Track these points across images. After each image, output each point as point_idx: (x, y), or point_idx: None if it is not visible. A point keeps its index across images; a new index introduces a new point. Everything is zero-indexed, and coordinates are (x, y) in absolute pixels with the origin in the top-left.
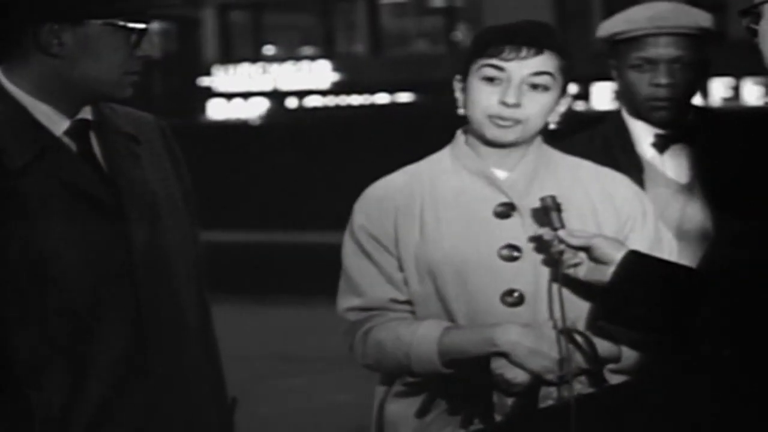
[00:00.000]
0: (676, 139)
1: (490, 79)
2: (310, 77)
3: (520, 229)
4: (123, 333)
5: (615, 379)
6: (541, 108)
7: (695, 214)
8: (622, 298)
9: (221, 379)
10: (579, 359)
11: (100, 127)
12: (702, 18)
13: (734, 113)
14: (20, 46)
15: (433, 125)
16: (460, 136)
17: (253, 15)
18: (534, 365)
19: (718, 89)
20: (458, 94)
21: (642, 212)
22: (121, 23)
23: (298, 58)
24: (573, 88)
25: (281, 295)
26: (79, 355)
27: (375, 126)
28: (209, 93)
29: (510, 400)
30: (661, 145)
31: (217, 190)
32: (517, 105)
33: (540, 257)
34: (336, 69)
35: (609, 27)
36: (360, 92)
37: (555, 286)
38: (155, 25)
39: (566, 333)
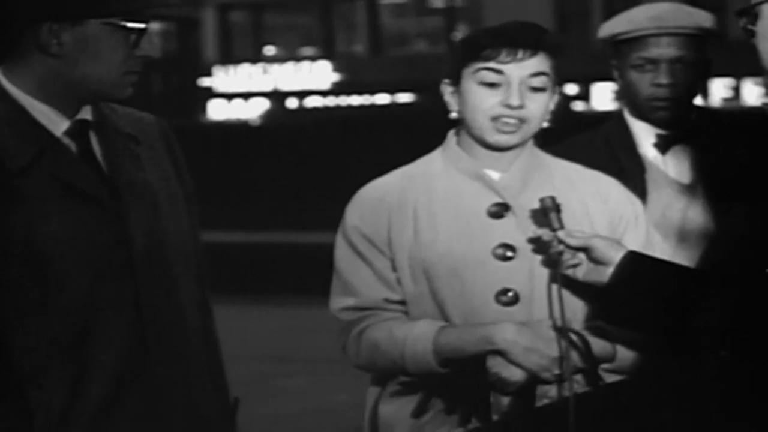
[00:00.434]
0: (678, 140)
1: (490, 83)
2: (311, 77)
3: (514, 229)
4: (123, 333)
5: (610, 379)
6: (541, 108)
7: (697, 214)
8: (621, 299)
9: (223, 379)
10: (574, 358)
11: (100, 127)
12: (703, 18)
13: (736, 113)
14: (20, 46)
15: (433, 125)
16: (451, 137)
17: (253, 15)
18: (530, 364)
19: (718, 89)
20: (448, 99)
21: (634, 215)
22: (121, 23)
23: (299, 59)
24: (573, 88)
25: (281, 295)
26: (80, 355)
27: (375, 126)
28: (209, 93)
29: (506, 399)
30: (663, 145)
31: (217, 190)
32: (521, 107)
33: (534, 257)
34: (336, 69)
35: (610, 27)
36: (360, 92)
37: (554, 287)
38: (155, 25)
39: (562, 332)
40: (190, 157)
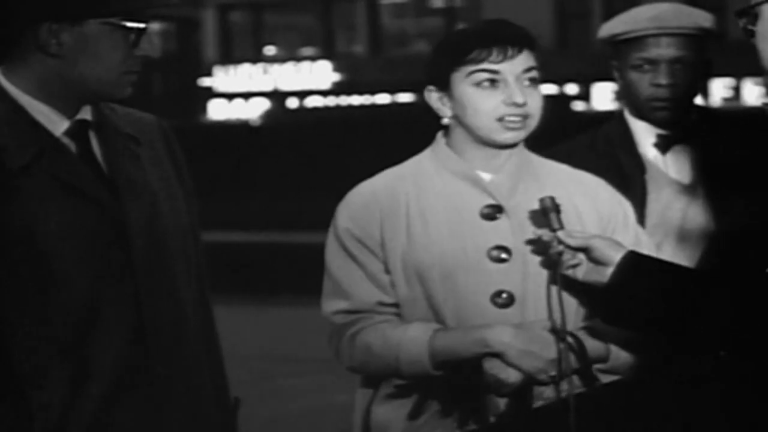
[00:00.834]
0: (678, 140)
1: (488, 83)
2: (311, 78)
3: (508, 231)
4: (123, 333)
5: (604, 379)
6: (540, 102)
7: (697, 214)
8: (621, 299)
9: (224, 379)
10: (570, 359)
11: (100, 127)
12: (702, 18)
13: (736, 113)
14: (19, 46)
15: (433, 125)
16: (440, 138)
17: (253, 15)
18: (527, 365)
19: (718, 89)
20: (437, 105)
21: (623, 214)
22: (120, 23)
23: (299, 59)
24: (573, 88)
25: (281, 295)
26: (80, 355)
27: (375, 126)
28: (210, 93)
29: (503, 401)
30: (663, 145)
31: (217, 190)
32: (525, 104)
33: (528, 258)
34: (336, 69)
35: (610, 28)
36: (360, 92)
37: (554, 288)
38: (155, 25)
39: (558, 333)
40: (190, 157)
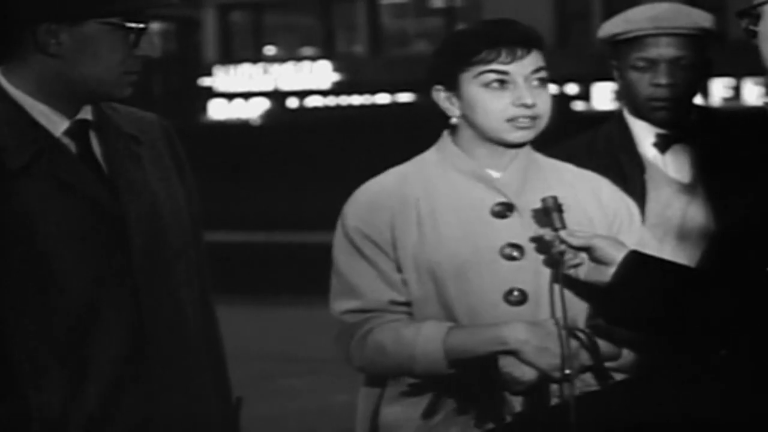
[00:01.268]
0: (677, 139)
1: (497, 84)
2: (311, 77)
3: (520, 228)
4: (122, 334)
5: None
6: (549, 103)
7: (697, 213)
8: (623, 299)
9: (226, 379)
10: (583, 357)
11: (100, 127)
12: (702, 18)
13: (736, 113)
14: (19, 46)
15: (433, 125)
16: (447, 137)
17: (253, 15)
18: (542, 363)
19: (718, 89)
20: (445, 104)
21: (628, 213)
22: (120, 23)
23: (299, 59)
24: (573, 88)
25: (281, 295)
26: (79, 356)
27: (375, 126)
28: (210, 93)
29: (517, 399)
30: (662, 144)
31: (217, 190)
32: (534, 105)
33: (540, 256)
34: (336, 69)
35: (610, 27)
36: (360, 92)
37: (557, 287)
38: (155, 25)
39: (571, 331)
40: (190, 157)
